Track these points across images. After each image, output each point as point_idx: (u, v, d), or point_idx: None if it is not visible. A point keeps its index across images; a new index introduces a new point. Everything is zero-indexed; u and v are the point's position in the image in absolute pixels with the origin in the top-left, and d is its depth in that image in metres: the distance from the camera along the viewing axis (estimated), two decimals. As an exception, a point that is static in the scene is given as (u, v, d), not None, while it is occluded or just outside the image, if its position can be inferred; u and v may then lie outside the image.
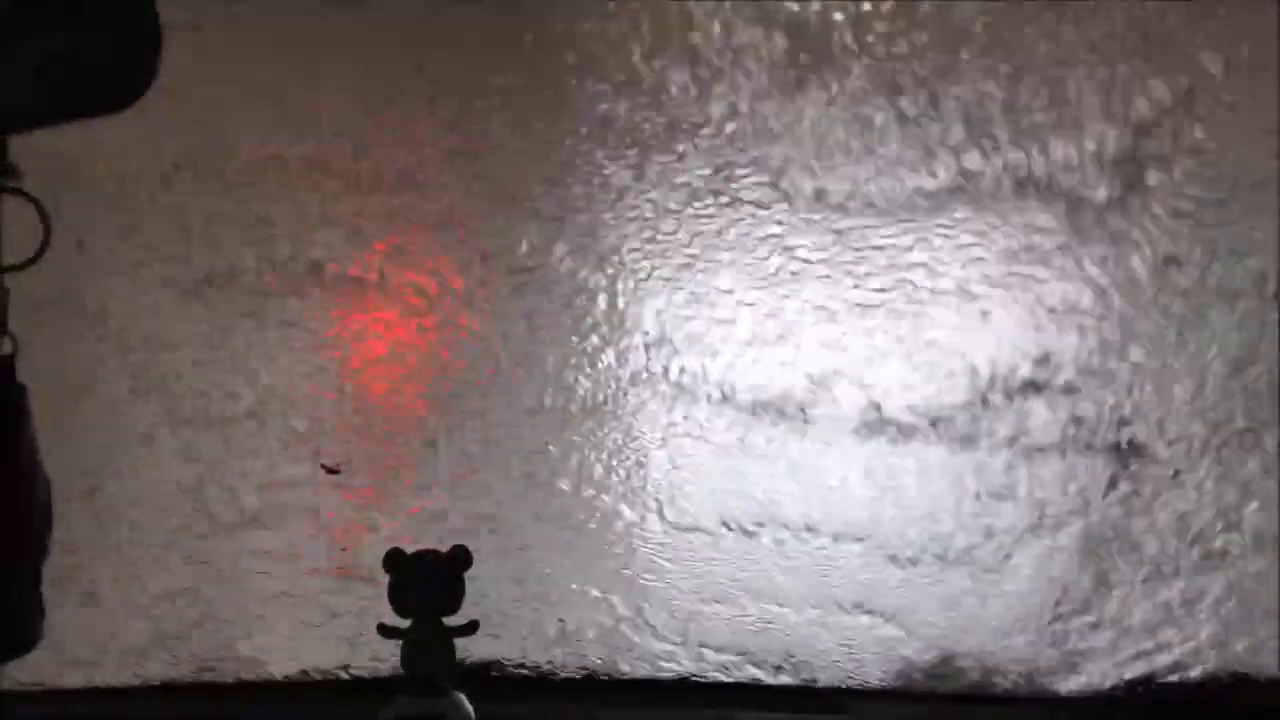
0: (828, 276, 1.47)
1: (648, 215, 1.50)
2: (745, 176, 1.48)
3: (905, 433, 1.47)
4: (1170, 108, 1.41)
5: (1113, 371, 1.43)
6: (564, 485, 1.55)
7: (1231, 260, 1.42)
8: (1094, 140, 1.42)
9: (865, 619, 1.48)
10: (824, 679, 1.48)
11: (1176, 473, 1.42)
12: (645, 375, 1.52)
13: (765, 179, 1.48)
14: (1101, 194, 1.43)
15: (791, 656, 1.48)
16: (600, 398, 1.54)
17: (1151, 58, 1.41)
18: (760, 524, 1.50)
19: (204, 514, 1.75)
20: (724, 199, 1.48)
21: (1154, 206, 1.42)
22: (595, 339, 1.54)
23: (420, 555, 1.25)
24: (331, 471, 1.65)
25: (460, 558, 1.25)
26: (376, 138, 1.62)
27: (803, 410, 1.49)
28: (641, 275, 1.51)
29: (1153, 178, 1.42)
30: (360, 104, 1.61)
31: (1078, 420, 1.43)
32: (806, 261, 1.48)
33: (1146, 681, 1.40)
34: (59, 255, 0.85)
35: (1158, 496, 1.43)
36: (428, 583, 1.24)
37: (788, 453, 1.49)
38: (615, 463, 1.54)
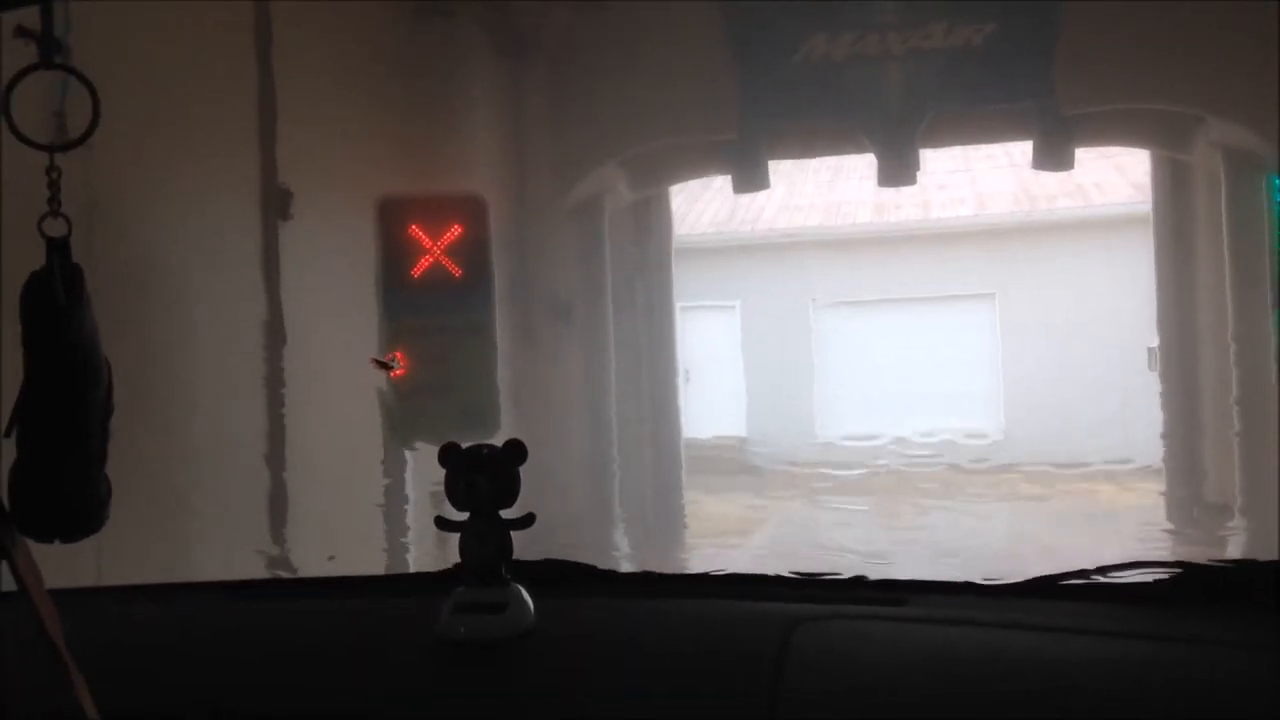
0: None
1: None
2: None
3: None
4: None
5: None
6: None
7: None
8: None
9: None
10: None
11: None
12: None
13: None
14: None
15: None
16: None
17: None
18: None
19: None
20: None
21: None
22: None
23: (476, 449, 1.25)
24: (383, 366, 1.66)
25: (515, 451, 1.24)
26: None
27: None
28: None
29: None
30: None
31: None
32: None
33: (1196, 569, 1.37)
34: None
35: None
36: (483, 476, 1.24)
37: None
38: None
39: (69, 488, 0.85)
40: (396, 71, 5.63)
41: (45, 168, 0.82)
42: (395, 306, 4.81)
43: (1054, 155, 7.42)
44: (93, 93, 0.83)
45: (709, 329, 12.99)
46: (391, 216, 5.00)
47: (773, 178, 7.98)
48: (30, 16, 0.80)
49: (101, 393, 0.86)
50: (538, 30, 7.31)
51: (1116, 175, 12.14)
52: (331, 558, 1.64)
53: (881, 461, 10.23)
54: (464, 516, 1.25)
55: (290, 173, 4.13)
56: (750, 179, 7.81)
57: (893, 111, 7.35)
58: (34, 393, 0.84)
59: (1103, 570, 1.38)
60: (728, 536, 8.90)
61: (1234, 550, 6.23)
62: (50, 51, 0.80)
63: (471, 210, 5.19)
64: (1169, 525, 7.87)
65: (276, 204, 4.00)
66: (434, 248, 4.98)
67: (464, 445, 1.26)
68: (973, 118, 7.79)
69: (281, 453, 3.16)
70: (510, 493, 1.24)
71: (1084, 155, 8.68)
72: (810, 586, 1.46)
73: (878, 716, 1.07)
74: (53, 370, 0.83)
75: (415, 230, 5.01)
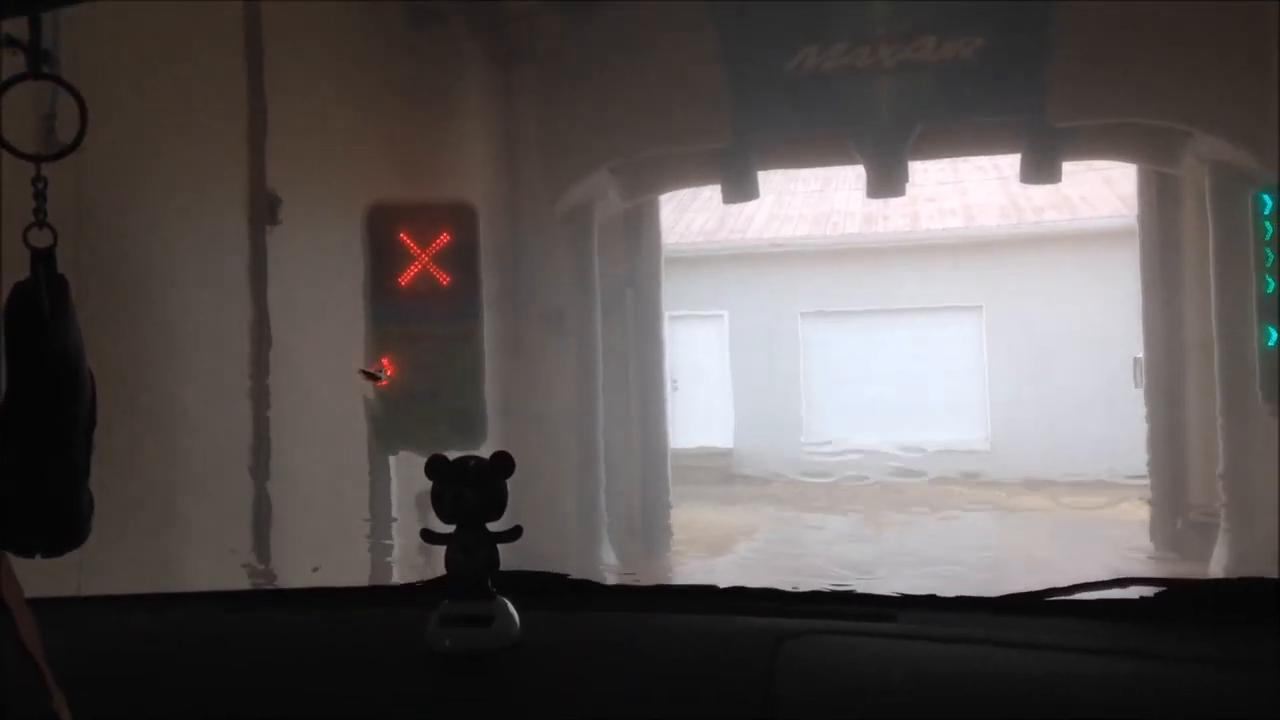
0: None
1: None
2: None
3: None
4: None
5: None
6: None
7: None
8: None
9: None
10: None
11: None
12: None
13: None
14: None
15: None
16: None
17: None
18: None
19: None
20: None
21: None
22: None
23: (462, 461, 1.24)
24: (370, 377, 1.66)
25: (502, 463, 1.23)
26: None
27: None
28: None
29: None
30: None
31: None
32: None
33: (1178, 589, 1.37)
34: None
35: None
36: (470, 488, 1.23)
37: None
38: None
39: (51, 501, 0.84)
40: (388, 79, 5.63)
41: (31, 178, 0.81)
42: (383, 314, 4.79)
43: (1042, 168, 7.45)
44: (80, 103, 0.83)
45: (697, 338, 13.00)
46: (380, 223, 4.99)
47: (762, 188, 7.99)
48: (19, 25, 0.80)
49: (85, 405, 0.86)
50: (530, 39, 7.32)
51: (1105, 189, 12.21)
52: (316, 569, 1.63)
53: (867, 474, 10.24)
54: (450, 528, 1.24)
55: (280, 180, 4.11)
56: (740, 189, 7.82)
57: (882, 123, 7.38)
58: (17, 404, 0.83)
59: (1090, 586, 1.39)
60: (713, 548, 8.90)
61: (1219, 563, 6.27)
62: (38, 62, 0.79)
63: (460, 218, 5.17)
64: (1154, 539, 7.90)
65: (264, 210, 3.99)
66: (422, 255, 4.97)
67: (451, 457, 1.25)
68: (962, 130, 7.83)
69: (267, 462, 3.15)
70: (497, 505, 1.23)
71: (1072, 168, 8.72)
72: (797, 600, 1.45)
73: None
74: (36, 382, 0.82)
75: (404, 237, 5.00)
